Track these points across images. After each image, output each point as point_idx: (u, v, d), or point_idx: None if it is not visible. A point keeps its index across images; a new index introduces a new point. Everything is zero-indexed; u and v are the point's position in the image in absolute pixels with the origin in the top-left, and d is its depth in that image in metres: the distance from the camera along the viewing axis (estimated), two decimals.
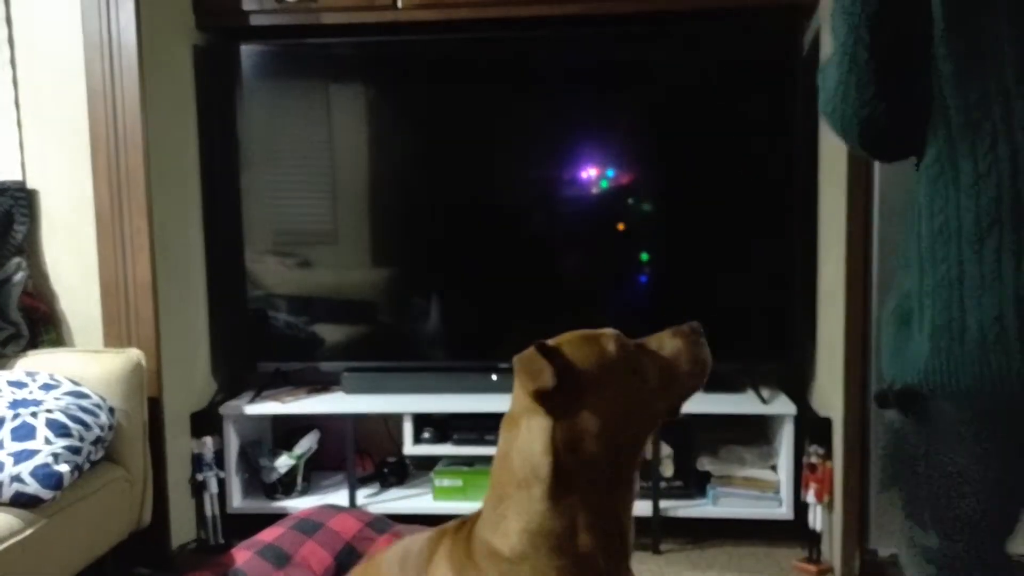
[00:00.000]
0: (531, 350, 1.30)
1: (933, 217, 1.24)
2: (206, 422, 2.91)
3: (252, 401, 3.00)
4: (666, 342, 1.35)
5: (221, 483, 2.92)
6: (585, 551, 1.29)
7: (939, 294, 1.22)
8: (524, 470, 1.30)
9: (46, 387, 2.35)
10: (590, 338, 1.33)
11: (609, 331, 1.33)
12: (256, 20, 2.89)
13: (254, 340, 3.08)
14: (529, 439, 1.30)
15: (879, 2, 1.21)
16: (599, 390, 1.29)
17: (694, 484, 2.93)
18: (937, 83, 1.22)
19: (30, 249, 2.71)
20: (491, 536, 1.34)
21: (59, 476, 2.11)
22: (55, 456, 2.14)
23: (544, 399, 1.28)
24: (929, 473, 1.29)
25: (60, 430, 2.20)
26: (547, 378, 1.26)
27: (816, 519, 2.68)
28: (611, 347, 1.31)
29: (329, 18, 2.88)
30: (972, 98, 1.19)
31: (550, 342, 1.33)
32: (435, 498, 2.97)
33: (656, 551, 2.84)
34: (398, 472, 3.13)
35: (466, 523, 1.44)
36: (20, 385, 2.33)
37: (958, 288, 1.20)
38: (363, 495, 3.01)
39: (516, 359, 1.31)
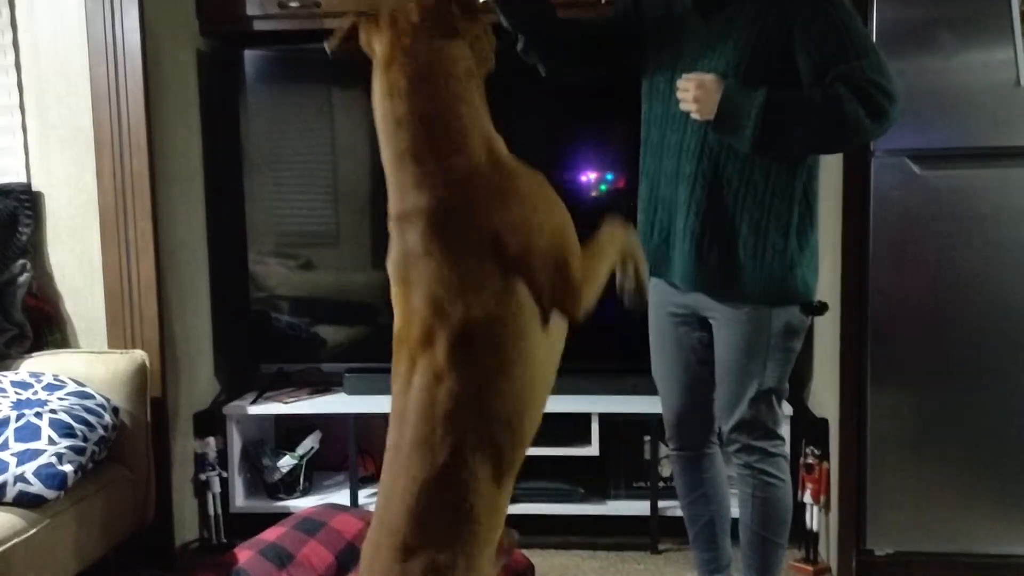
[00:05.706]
0: None
1: None
2: (209, 422, 2.93)
3: (255, 402, 3.02)
4: None
5: (224, 483, 2.93)
6: None
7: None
8: None
9: (50, 388, 2.37)
10: None
11: None
12: (259, 25, 2.91)
13: (257, 341, 3.10)
14: None
15: None
16: None
17: None
18: None
19: (35, 251, 2.73)
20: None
21: (63, 476, 2.13)
22: (59, 456, 2.15)
23: None
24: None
25: (64, 430, 2.22)
26: None
27: (813, 519, 2.70)
28: None
29: (332, 23, 2.87)
30: None
31: None
32: None
33: (654, 551, 2.86)
34: None
35: None
36: (25, 386, 2.36)
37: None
38: (365, 495, 3.02)
39: None
